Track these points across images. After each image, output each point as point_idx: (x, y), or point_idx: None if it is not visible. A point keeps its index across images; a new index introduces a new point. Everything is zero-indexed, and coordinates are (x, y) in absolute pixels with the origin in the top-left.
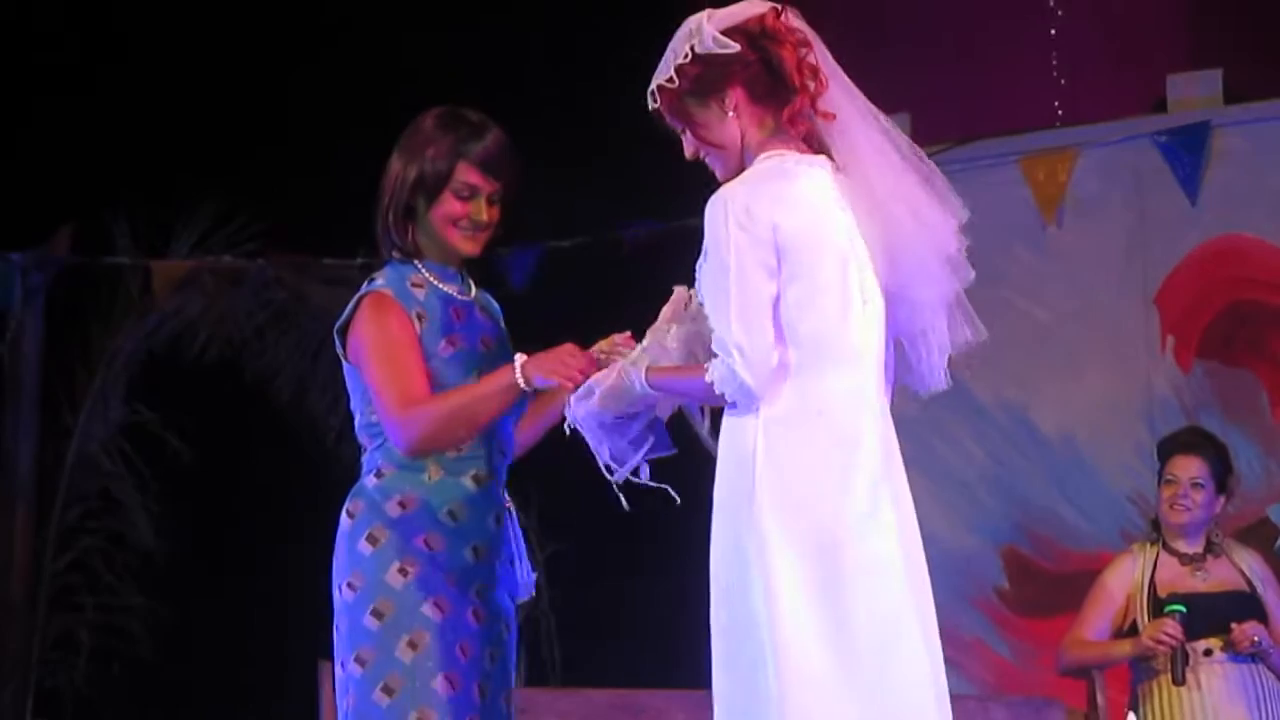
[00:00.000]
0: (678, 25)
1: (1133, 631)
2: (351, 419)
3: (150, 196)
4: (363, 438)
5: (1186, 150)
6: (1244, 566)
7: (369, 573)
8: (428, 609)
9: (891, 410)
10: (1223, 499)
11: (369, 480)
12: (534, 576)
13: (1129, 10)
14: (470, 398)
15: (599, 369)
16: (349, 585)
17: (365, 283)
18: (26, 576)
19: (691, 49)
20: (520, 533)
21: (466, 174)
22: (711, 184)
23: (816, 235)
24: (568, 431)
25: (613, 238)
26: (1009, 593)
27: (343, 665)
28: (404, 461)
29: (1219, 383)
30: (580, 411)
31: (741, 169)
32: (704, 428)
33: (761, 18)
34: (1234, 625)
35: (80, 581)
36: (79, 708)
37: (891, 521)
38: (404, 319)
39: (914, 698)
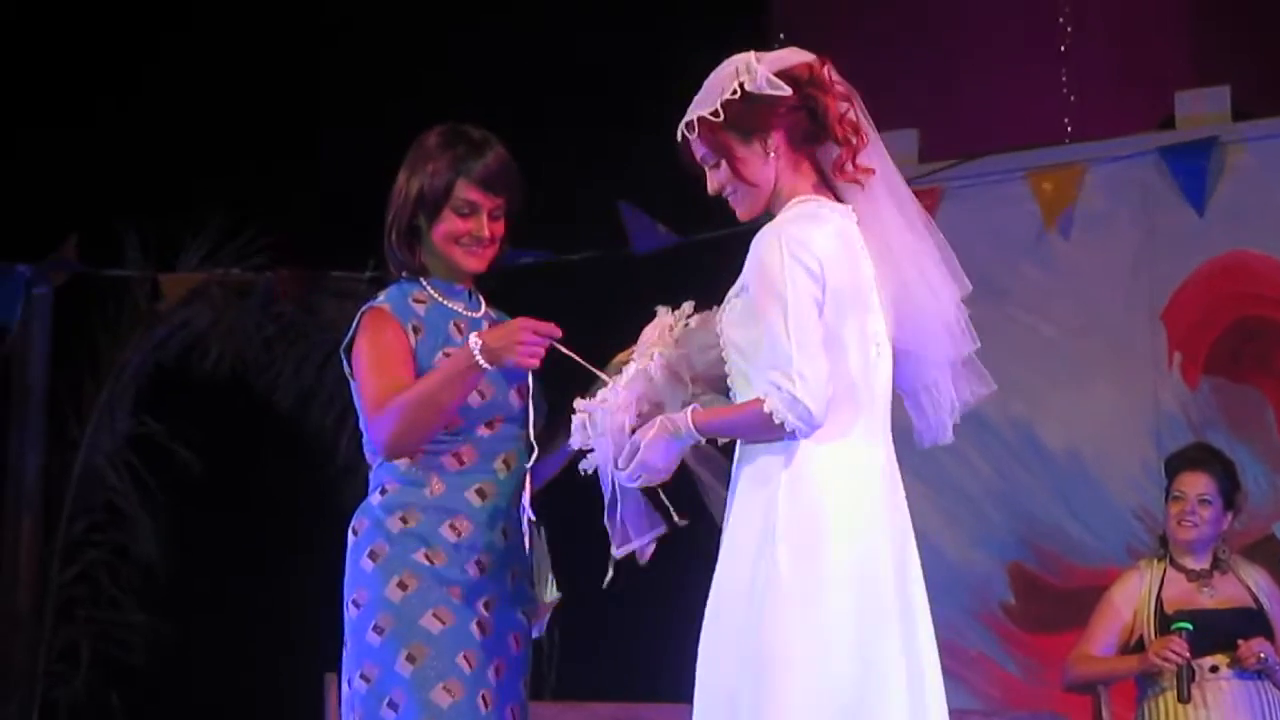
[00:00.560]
0: (683, 43)
1: (1139, 648)
2: (360, 435)
3: (159, 209)
4: (369, 455)
5: (1194, 164)
6: (1251, 583)
7: (371, 589)
8: (427, 621)
9: (895, 427)
10: (1230, 515)
11: (374, 498)
12: (549, 602)
13: (1137, 27)
14: (431, 384)
15: (557, 339)
16: (354, 603)
17: (372, 297)
18: (33, 589)
19: (741, 86)
20: (547, 558)
21: (466, 191)
22: (721, 203)
23: (848, 280)
24: (584, 472)
25: (623, 253)
26: (1015, 608)
27: (349, 682)
28: (407, 477)
29: (1226, 399)
30: (625, 472)
31: (767, 209)
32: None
33: (810, 66)
34: (1240, 642)
35: (86, 594)
36: (83, 718)
37: (899, 564)
38: (397, 332)
39: None
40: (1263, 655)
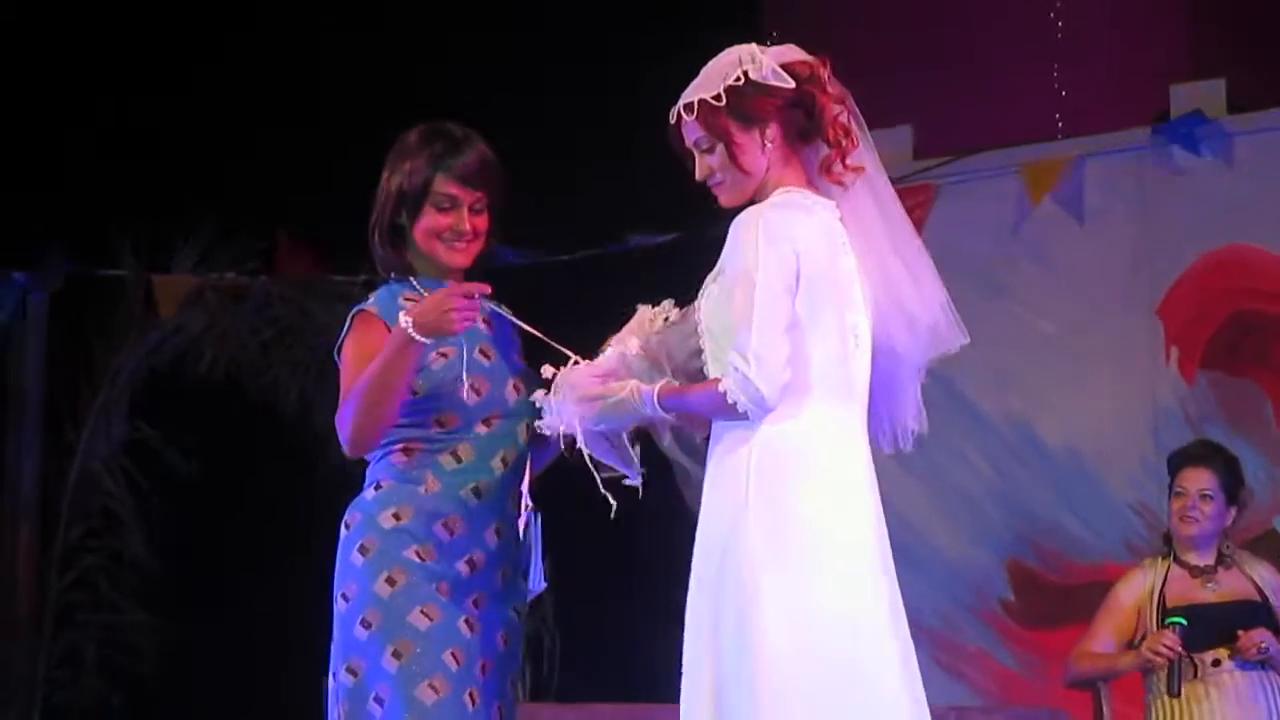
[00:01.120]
0: (677, 38)
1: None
2: None
3: (153, 214)
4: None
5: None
6: (1256, 577)
7: (360, 583)
8: (414, 618)
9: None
10: (1234, 511)
11: (368, 493)
12: (534, 588)
13: (1132, 21)
14: (373, 370)
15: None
16: (343, 596)
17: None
18: (31, 595)
19: (745, 74)
20: (539, 537)
21: (445, 185)
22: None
23: (826, 271)
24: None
25: (615, 251)
26: (1014, 605)
27: (334, 675)
28: (403, 475)
29: (1223, 394)
30: (586, 421)
31: (752, 198)
32: (666, 439)
33: (810, 65)
34: (1240, 633)
35: (85, 599)
36: None
37: (872, 546)
38: (381, 333)
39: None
40: (1264, 645)
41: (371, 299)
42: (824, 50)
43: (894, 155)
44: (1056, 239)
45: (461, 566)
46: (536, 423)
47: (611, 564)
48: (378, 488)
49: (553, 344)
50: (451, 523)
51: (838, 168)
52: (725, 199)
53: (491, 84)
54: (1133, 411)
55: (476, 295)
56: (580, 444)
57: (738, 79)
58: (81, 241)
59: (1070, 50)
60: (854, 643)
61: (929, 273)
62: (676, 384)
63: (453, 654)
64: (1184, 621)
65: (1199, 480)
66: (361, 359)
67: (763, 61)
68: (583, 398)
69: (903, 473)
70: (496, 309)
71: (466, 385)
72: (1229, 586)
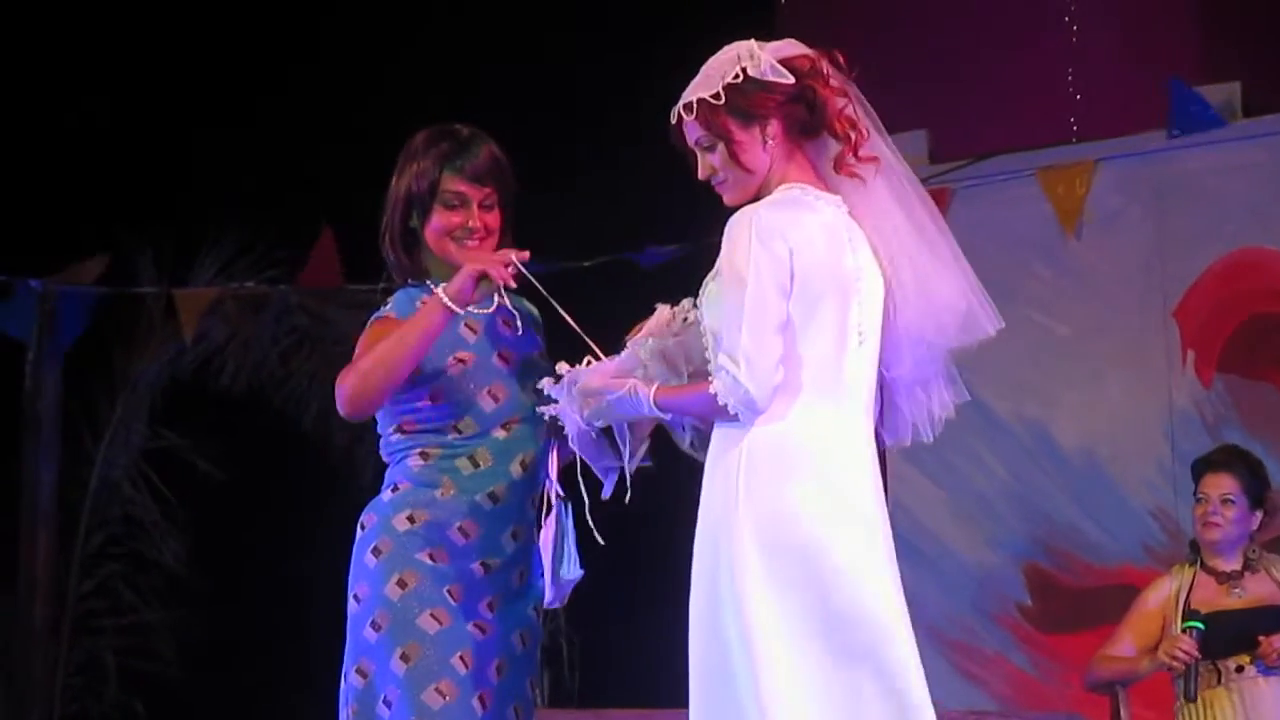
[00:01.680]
0: (691, 54)
1: None
2: (376, 441)
3: (173, 224)
4: (385, 455)
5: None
6: None
7: (372, 585)
8: (423, 621)
9: None
10: (1259, 515)
11: (385, 494)
12: (568, 579)
13: (1145, 24)
14: (396, 332)
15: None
16: (355, 597)
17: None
18: (50, 602)
19: (744, 70)
20: (571, 535)
21: (453, 183)
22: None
23: (826, 268)
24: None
25: (631, 259)
26: (1031, 608)
27: (345, 676)
28: (420, 478)
29: (1240, 396)
30: (585, 414)
31: (756, 196)
32: (686, 440)
33: (810, 59)
34: (1261, 639)
35: (104, 606)
36: None
37: (865, 542)
38: None
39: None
40: None
41: (390, 304)
42: (842, 56)
43: (910, 159)
44: (1072, 242)
45: (476, 569)
46: (539, 408)
47: (629, 569)
48: (395, 490)
49: (581, 334)
50: (467, 527)
51: (850, 160)
52: (729, 197)
53: (521, 106)
54: (1149, 415)
55: (513, 261)
56: (571, 440)
57: (736, 76)
58: (101, 251)
59: (1084, 54)
60: (847, 639)
61: (956, 258)
62: (673, 385)
63: (461, 657)
64: (1201, 625)
65: (1220, 485)
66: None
67: (761, 58)
68: (583, 391)
69: (918, 476)
70: (516, 304)
71: (484, 392)
72: (1254, 592)
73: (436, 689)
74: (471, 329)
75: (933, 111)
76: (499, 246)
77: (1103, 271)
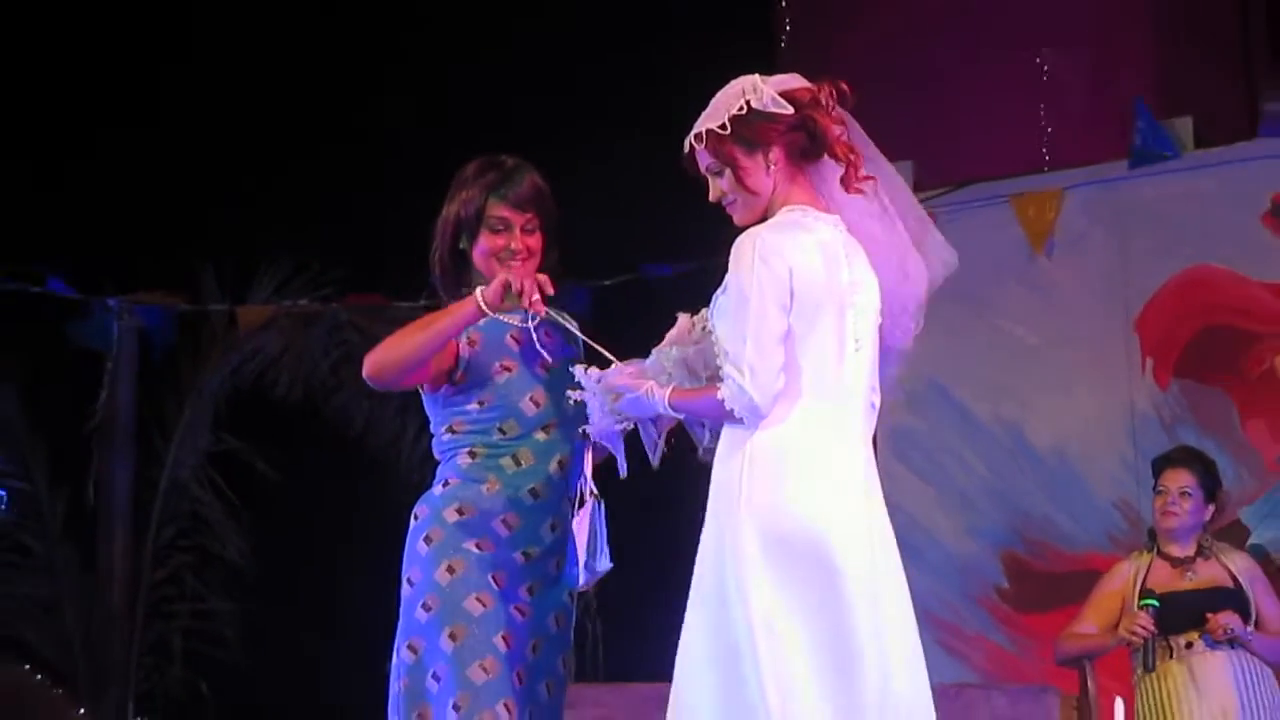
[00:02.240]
0: (709, 86)
1: None
2: (423, 446)
3: (235, 246)
4: (437, 453)
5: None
6: (1231, 566)
7: (423, 570)
8: (469, 604)
9: (900, 429)
10: (1211, 508)
11: (436, 489)
12: (600, 570)
13: (1108, 66)
14: (428, 317)
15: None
16: (408, 581)
17: None
18: (126, 590)
19: (748, 103)
20: (603, 529)
21: (497, 209)
22: (732, 228)
23: (823, 283)
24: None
25: (653, 276)
26: (1008, 591)
27: (397, 652)
28: (468, 474)
29: (1194, 399)
30: (607, 408)
31: (763, 216)
32: (705, 440)
33: (810, 91)
34: (1209, 616)
35: (175, 593)
36: (173, 707)
37: (860, 529)
38: (451, 344)
39: (886, 696)
40: (1229, 627)
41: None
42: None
43: None
44: (1043, 261)
45: (518, 557)
46: (569, 393)
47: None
48: (445, 485)
49: (601, 351)
50: (510, 519)
51: (853, 180)
52: (738, 218)
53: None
54: (1113, 416)
55: (539, 293)
56: (591, 426)
57: (740, 108)
58: (169, 272)
59: (1053, 93)
60: (844, 636)
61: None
62: (688, 388)
63: (503, 637)
64: (1156, 603)
65: (1179, 479)
66: None
67: (763, 90)
68: (607, 387)
69: (907, 473)
70: (559, 317)
71: (526, 398)
72: (1205, 575)
73: (481, 665)
74: (516, 340)
75: (918, 143)
76: (542, 266)
77: (1070, 287)
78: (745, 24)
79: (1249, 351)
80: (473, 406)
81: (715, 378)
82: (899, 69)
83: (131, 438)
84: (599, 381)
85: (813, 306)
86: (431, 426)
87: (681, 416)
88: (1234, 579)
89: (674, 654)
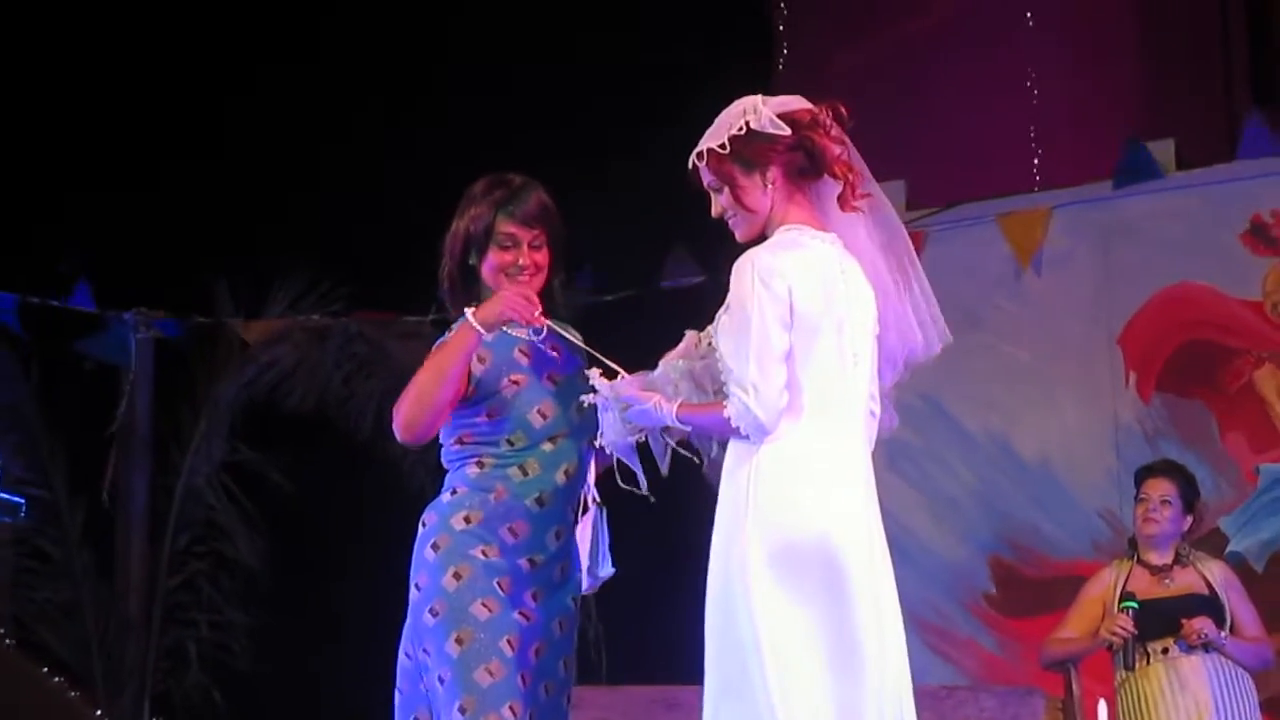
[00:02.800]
0: (717, 103)
1: None
2: (432, 457)
3: (248, 262)
4: (445, 462)
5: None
6: (1209, 574)
7: (431, 575)
8: (475, 609)
9: (892, 440)
10: (1190, 518)
11: (444, 496)
12: (602, 576)
13: (1094, 91)
14: (432, 358)
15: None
16: (416, 586)
17: (442, 335)
18: (143, 595)
19: (747, 124)
20: (605, 535)
21: (505, 226)
22: (734, 245)
23: (821, 301)
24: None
25: (653, 291)
26: (996, 596)
27: (406, 655)
28: (476, 484)
29: (1175, 412)
30: (618, 417)
31: (761, 233)
32: (712, 452)
33: (810, 112)
34: (1184, 621)
35: (189, 600)
36: (189, 710)
37: (861, 538)
38: None
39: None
40: (1204, 632)
41: (450, 333)
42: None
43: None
44: (1030, 278)
45: (523, 563)
46: (582, 397)
47: (650, 561)
48: (453, 493)
49: (608, 363)
50: (517, 527)
51: (850, 199)
52: (739, 235)
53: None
54: (1097, 428)
55: (538, 311)
56: (602, 433)
57: (740, 129)
58: (184, 287)
59: (1041, 117)
60: (848, 638)
61: (922, 290)
62: (695, 402)
63: (508, 641)
64: (1135, 605)
65: (1160, 488)
66: None
67: (763, 112)
68: (619, 397)
69: (900, 483)
70: (561, 330)
71: (534, 410)
72: (1182, 582)
73: (486, 669)
74: (524, 354)
75: (910, 164)
76: (549, 281)
77: (1056, 304)
78: (744, 45)
79: (1228, 366)
80: (481, 419)
81: (721, 392)
82: (892, 91)
83: (148, 448)
84: (613, 387)
85: (812, 324)
86: (441, 437)
87: (688, 429)
88: (1210, 586)
89: (673, 658)
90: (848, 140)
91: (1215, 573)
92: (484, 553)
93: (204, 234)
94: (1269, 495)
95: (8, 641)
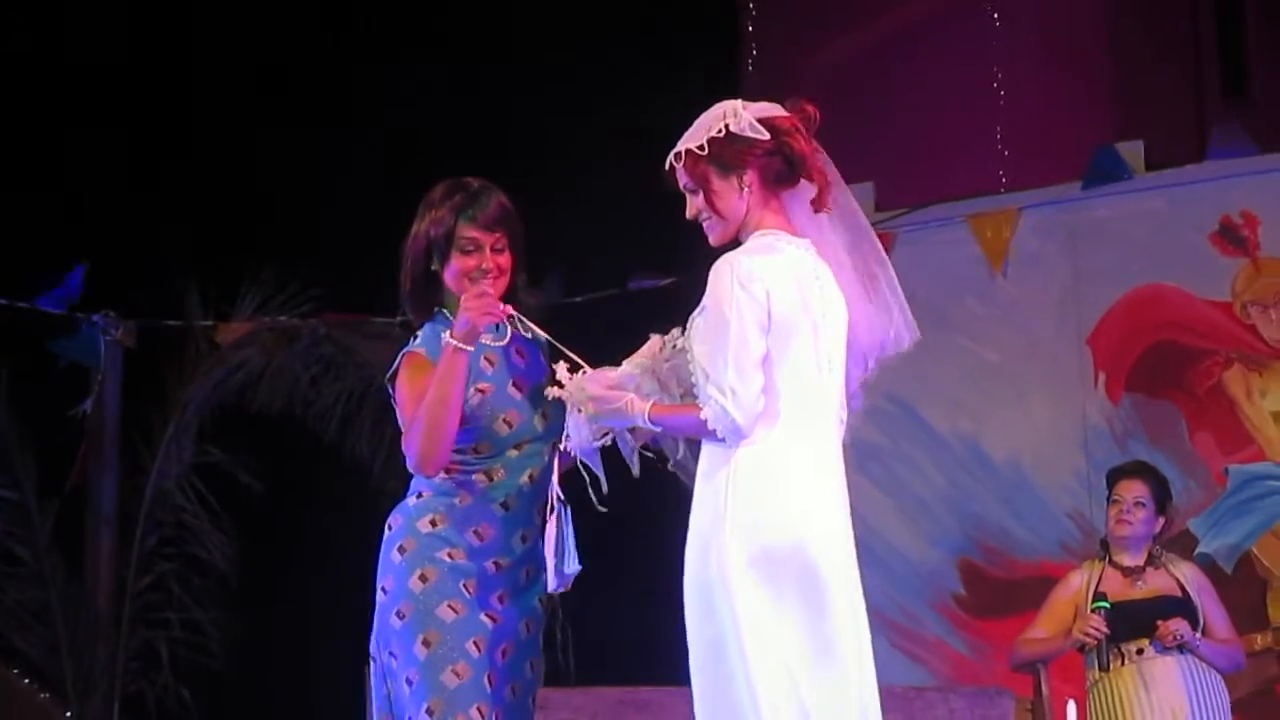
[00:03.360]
0: (685, 105)
1: None
2: (396, 456)
3: (217, 265)
4: (410, 465)
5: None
6: (1180, 576)
7: (397, 579)
8: (442, 611)
9: (861, 442)
10: (1162, 520)
11: (410, 500)
12: (569, 573)
13: (1062, 91)
14: (432, 391)
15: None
16: (382, 589)
17: (409, 340)
18: (112, 596)
19: (726, 127)
20: (570, 533)
21: (467, 230)
22: (703, 248)
23: (798, 306)
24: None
25: (622, 292)
26: (965, 598)
27: (375, 659)
28: (440, 488)
29: (1145, 413)
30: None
31: (735, 238)
32: (678, 454)
33: (790, 119)
34: (1159, 623)
35: (159, 600)
36: (159, 711)
37: (836, 540)
38: (429, 372)
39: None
40: (1178, 633)
41: (419, 339)
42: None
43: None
44: (1000, 279)
45: (489, 566)
46: (547, 390)
47: (618, 562)
48: (419, 496)
49: (572, 356)
50: (482, 530)
51: (825, 201)
52: (713, 238)
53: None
54: (1066, 429)
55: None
56: (567, 430)
57: (719, 131)
58: (153, 289)
59: (1009, 117)
60: (826, 639)
61: (891, 291)
62: (667, 403)
63: (475, 643)
64: (1108, 605)
65: (1133, 490)
66: (415, 395)
67: (743, 116)
68: (586, 394)
69: (869, 484)
70: (525, 326)
71: (500, 419)
72: (1154, 584)
73: (453, 670)
74: (490, 361)
75: (879, 165)
76: (512, 283)
77: (1026, 304)
78: (711, 48)
79: (1197, 367)
80: (463, 408)
81: (687, 394)
82: (860, 93)
83: (117, 449)
84: (580, 383)
85: (789, 329)
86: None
87: (659, 430)
88: (1182, 588)
89: (642, 658)
90: (819, 148)
91: (1187, 574)
92: (450, 555)
93: (173, 236)
94: (1238, 497)
95: None
